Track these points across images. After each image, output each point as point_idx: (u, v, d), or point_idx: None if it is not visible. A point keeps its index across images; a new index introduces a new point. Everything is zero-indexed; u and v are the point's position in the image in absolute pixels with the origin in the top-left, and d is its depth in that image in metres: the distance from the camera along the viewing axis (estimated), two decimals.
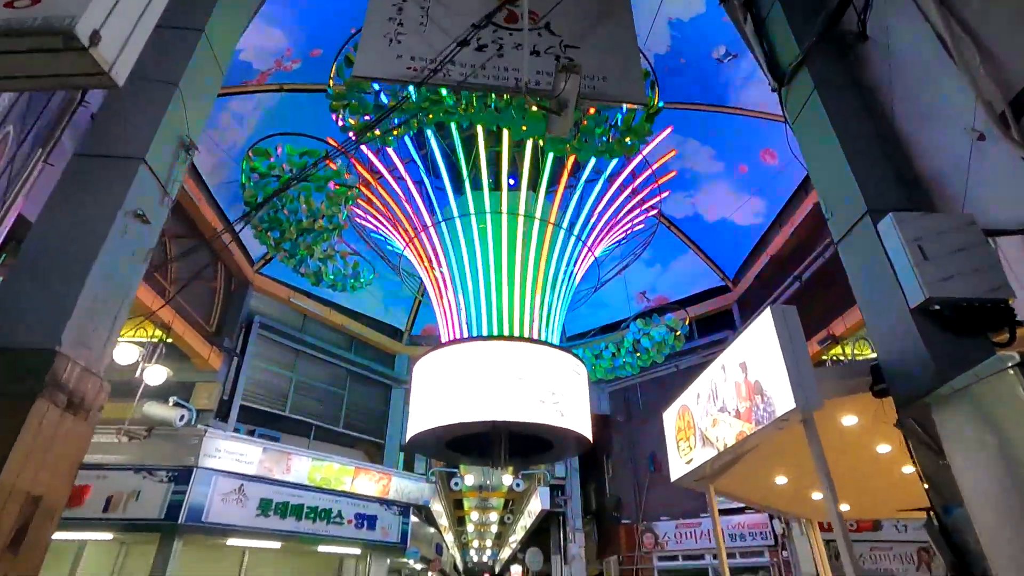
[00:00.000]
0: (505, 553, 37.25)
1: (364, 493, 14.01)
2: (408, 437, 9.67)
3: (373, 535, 13.96)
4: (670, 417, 6.17)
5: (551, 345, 9.76)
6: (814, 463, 3.57)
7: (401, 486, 14.95)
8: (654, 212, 13.27)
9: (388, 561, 14.82)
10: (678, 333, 13.12)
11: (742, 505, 14.29)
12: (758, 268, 13.76)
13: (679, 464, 5.76)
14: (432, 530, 21.16)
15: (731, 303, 15.18)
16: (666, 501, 15.79)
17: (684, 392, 5.68)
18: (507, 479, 18.38)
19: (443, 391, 8.80)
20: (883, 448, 4.84)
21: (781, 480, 5.75)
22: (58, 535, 10.34)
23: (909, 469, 5.51)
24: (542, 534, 22.16)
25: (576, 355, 9.96)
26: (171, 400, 10.92)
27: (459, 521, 35.72)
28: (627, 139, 8.27)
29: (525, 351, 9.28)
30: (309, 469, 13.02)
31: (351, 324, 16.35)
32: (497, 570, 48.77)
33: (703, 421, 4.76)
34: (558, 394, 8.61)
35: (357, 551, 14.21)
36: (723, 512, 14.43)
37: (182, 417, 10.74)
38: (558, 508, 16.21)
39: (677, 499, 15.59)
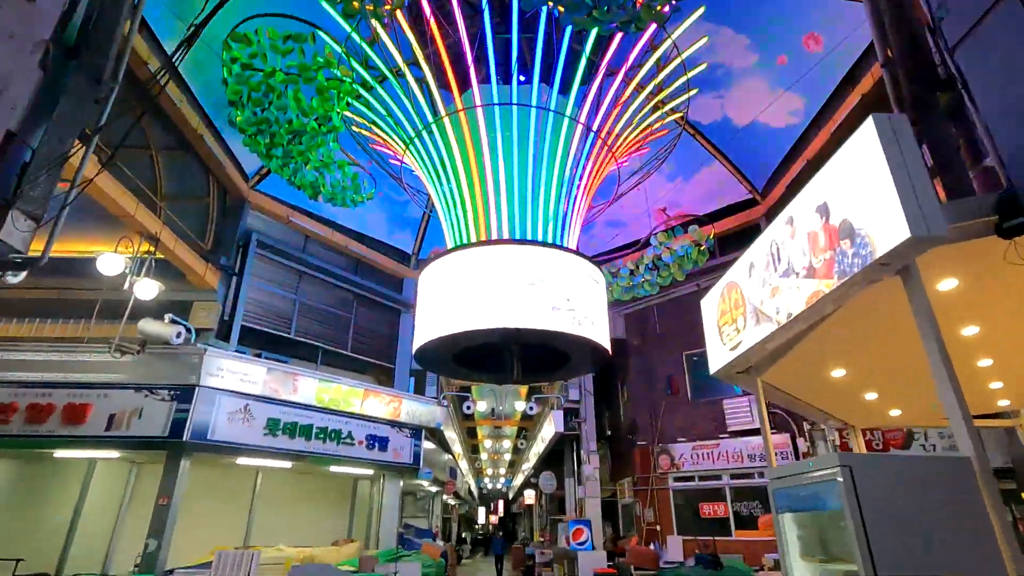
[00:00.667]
0: (519, 480, 38.21)
1: (374, 415, 13.74)
2: (415, 348, 8.99)
3: (385, 456, 13.81)
4: (710, 303, 5.41)
5: (566, 249, 8.91)
6: (917, 323, 2.78)
7: (412, 409, 14.68)
8: (677, 116, 12.09)
9: (401, 482, 14.77)
10: (702, 247, 12.23)
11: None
12: (792, 175, 12.64)
13: (721, 353, 5.04)
14: (447, 456, 21.31)
15: (759, 217, 14.16)
16: (683, 424, 15.44)
17: (729, 270, 4.87)
18: (520, 405, 18.18)
19: (450, 299, 8.09)
20: (970, 330, 4.05)
21: (838, 373, 5.04)
22: (65, 452, 10.05)
23: (987, 362, 4.74)
24: (555, 459, 22.26)
25: (594, 262, 9.15)
26: (167, 317, 10.40)
27: (473, 449, 36.47)
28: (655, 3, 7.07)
29: (537, 255, 8.47)
30: (316, 390, 12.67)
31: (355, 246, 15.62)
32: (511, 496, 50.56)
33: (758, 294, 3.99)
34: (574, 301, 7.87)
35: (370, 472, 14.13)
36: (741, 433, 14.04)
37: (179, 334, 10.25)
38: (572, 431, 15.98)
39: (694, 421, 15.23)
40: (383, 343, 16.12)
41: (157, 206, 11.19)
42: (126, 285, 9.05)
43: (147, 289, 9.53)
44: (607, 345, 8.08)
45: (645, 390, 16.57)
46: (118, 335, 9.43)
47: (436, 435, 17.03)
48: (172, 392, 10.49)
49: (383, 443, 13.82)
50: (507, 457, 37.61)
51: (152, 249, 9.67)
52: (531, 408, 16.03)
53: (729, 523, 13.93)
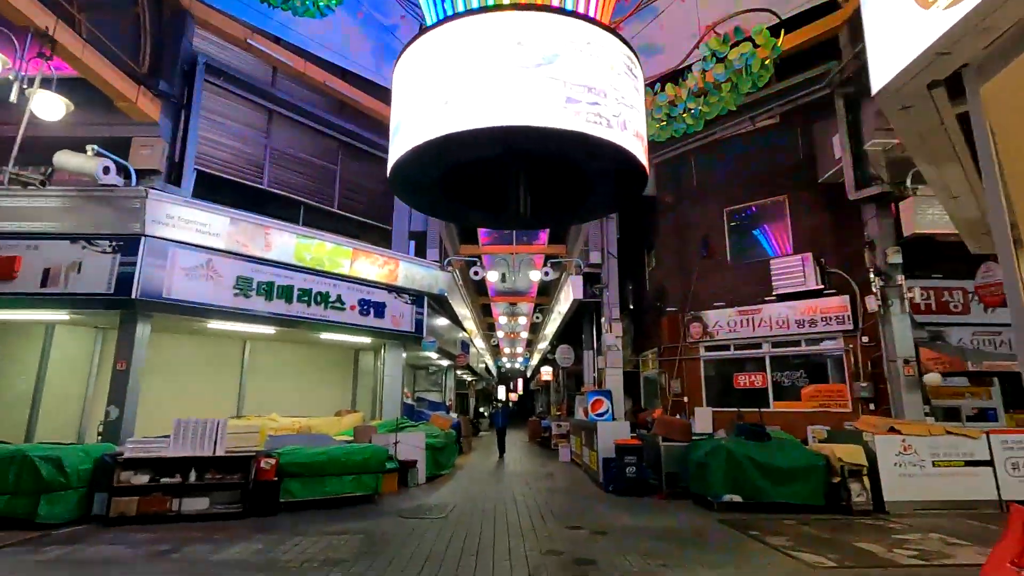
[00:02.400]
0: (536, 359, 37.96)
1: (367, 279, 12.08)
2: (389, 169, 6.59)
3: (382, 324, 12.36)
4: None
5: (589, 19, 6.30)
6: None
7: (411, 273, 12.99)
8: None
9: (404, 353, 13.48)
10: (767, 59, 9.45)
11: (815, 287, 11.93)
12: None
13: (913, 27, 2.67)
14: (460, 334, 20.15)
15: (838, 24, 11.02)
16: (718, 289, 13.57)
17: None
18: (535, 275, 16.44)
19: (429, 94, 5.69)
20: None
21: None
22: (8, 314, 8.43)
23: None
24: (573, 333, 21.00)
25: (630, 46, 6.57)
26: (90, 148, 8.38)
27: (489, 327, 35.87)
28: None
29: (544, 25, 5.88)
30: (296, 248, 10.90)
31: (337, 83, 13.03)
32: (529, 375, 51.39)
33: None
34: (597, 92, 5.46)
35: (367, 341, 12.78)
36: (789, 296, 12.13)
37: (106, 170, 8.29)
38: (593, 298, 14.31)
39: (733, 286, 13.32)
40: (377, 201, 14.08)
41: (75, 19, 8.73)
42: (12, 96, 6.92)
43: (48, 106, 7.40)
44: (643, 160, 5.67)
45: (677, 253, 14.55)
46: (10, 161, 7.47)
47: (443, 305, 15.54)
48: (114, 243, 8.76)
49: (379, 309, 12.30)
50: (524, 335, 37.06)
51: (47, 52, 7.39)
52: (546, 274, 14.30)
53: (767, 394, 12.51)
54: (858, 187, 9.89)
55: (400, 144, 5.81)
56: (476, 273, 14.28)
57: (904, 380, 9.24)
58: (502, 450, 15.06)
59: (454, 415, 17.60)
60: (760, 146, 13.51)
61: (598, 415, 11.73)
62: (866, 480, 7.69)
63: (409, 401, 17.64)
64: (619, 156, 5.61)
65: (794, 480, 7.76)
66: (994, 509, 7.76)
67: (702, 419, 12.69)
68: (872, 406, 10.97)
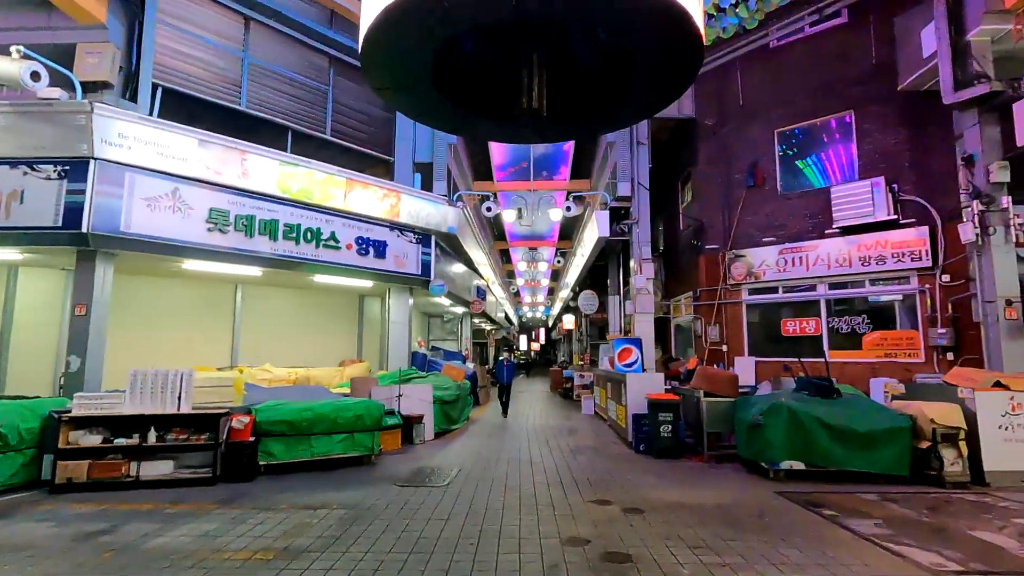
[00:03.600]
0: (557, 308, 36.71)
1: (365, 214, 10.69)
2: (360, 45, 4.82)
3: (384, 265, 11.04)
4: None
5: None
6: None
7: (416, 209, 11.54)
8: None
9: (410, 298, 12.22)
10: None
11: (887, 217, 10.13)
12: None
13: None
14: (477, 280, 18.82)
15: None
16: (766, 223, 11.84)
17: None
18: (555, 213, 14.81)
19: None
20: None
21: None
22: None
23: None
24: (597, 278, 19.51)
25: None
26: (14, 50, 6.97)
27: (508, 275, 34.52)
28: None
29: None
30: (279, 176, 9.51)
31: None
32: (551, 324, 50.34)
33: None
34: None
35: (368, 284, 11.51)
36: (853, 230, 10.39)
37: (35, 76, 6.89)
38: (620, 236, 12.72)
39: (784, 219, 11.57)
40: (377, 128, 12.50)
41: None
42: None
43: None
44: (698, 21, 3.77)
45: (718, 183, 12.75)
46: None
47: (455, 247, 14.14)
48: (59, 167, 7.48)
49: (379, 248, 10.95)
50: (545, 283, 35.68)
51: None
52: (568, 210, 12.71)
53: (821, 342, 10.97)
54: (957, 88, 7.95)
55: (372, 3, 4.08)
56: (488, 209, 12.74)
57: (1004, 325, 7.61)
58: (506, 409, 13.50)
59: (470, 365, 16.55)
60: (821, 53, 11.40)
61: (626, 365, 10.40)
62: (963, 446, 6.24)
63: (422, 350, 16.58)
64: (663, 11, 3.81)
65: (873, 445, 6.35)
66: None
67: (744, 370, 11.28)
68: (951, 355, 9.39)
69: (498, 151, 14.94)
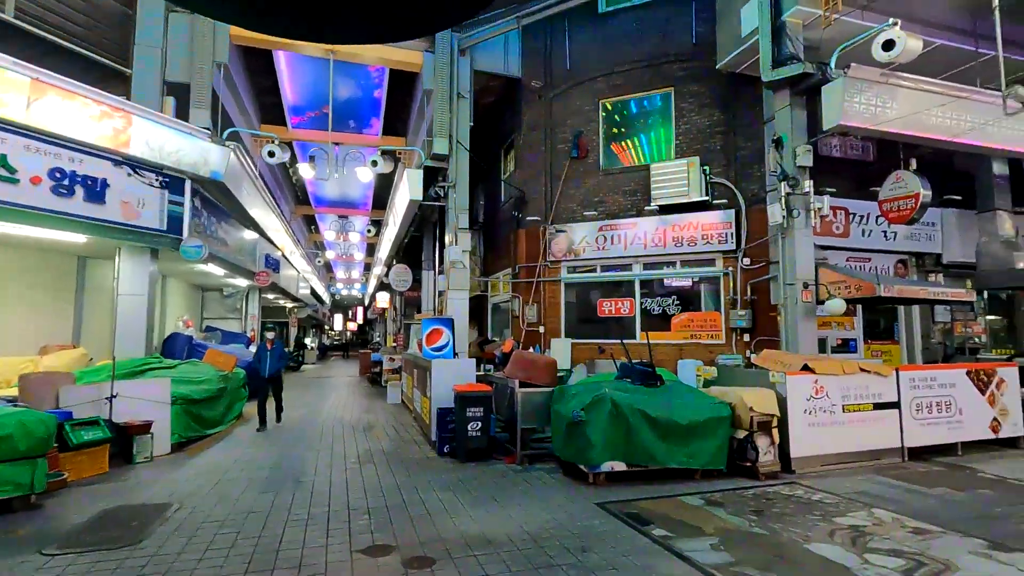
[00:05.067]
0: (372, 284, 34.09)
1: (70, 136, 7.41)
2: None
3: (103, 212, 7.87)
4: None
5: None
6: None
7: (160, 140, 8.47)
8: None
9: (151, 263, 9.10)
10: None
11: (700, 198, 10.08)
12: None
13: None
14: (270, 252, 15.64)
15: None
16: (587, 197, 11.23)
17: None
18: (364, 172, 12.58)
19: None
20: None
21: None
22: None
23: None
24: (412, 253, 17.73)
25: None
26: None
27: (317, 246, 30.88)
28: None
29: None
30: None
31: None
32: (366, 303, 47.16)
33: None
34: None
35: (79, 238, 8.17)
36: (671, 208, 10.17)
37: None
38: (435, 201, 11.09)
39: (605, 194, 11.05)
40: (106, 25, 8.98)
41: None
42: None
43: None
44: None
45: (541, 152, 11.84)
46: None
47: (229, 199, 11.11)
48: None
49: (94, 188, 7.75)
50: (359, 257, 32.81)
51: None
52: (375, 164, 10.68)
53: (634, 324, 10.71)
54: (774, 67, 7.84)
55: None
56: (272, 155, 10.09)
57: (802, 307, 7.75)
58: (263, 417, 8.99)
59: (253, 348, 13.61)
60: (646, 26, 11.02)
61: (435, 349, 8.85)
62: (775, 433, 5.91)
63: (188, 331, 13.15)
64: None
65: (693, 438, 5.70)
66: (897, 458, 6.56)
67: (560, 353, 10.58)
68: (747, 337, 9.65)
69: (291, 88, 12.19)
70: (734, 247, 9.77)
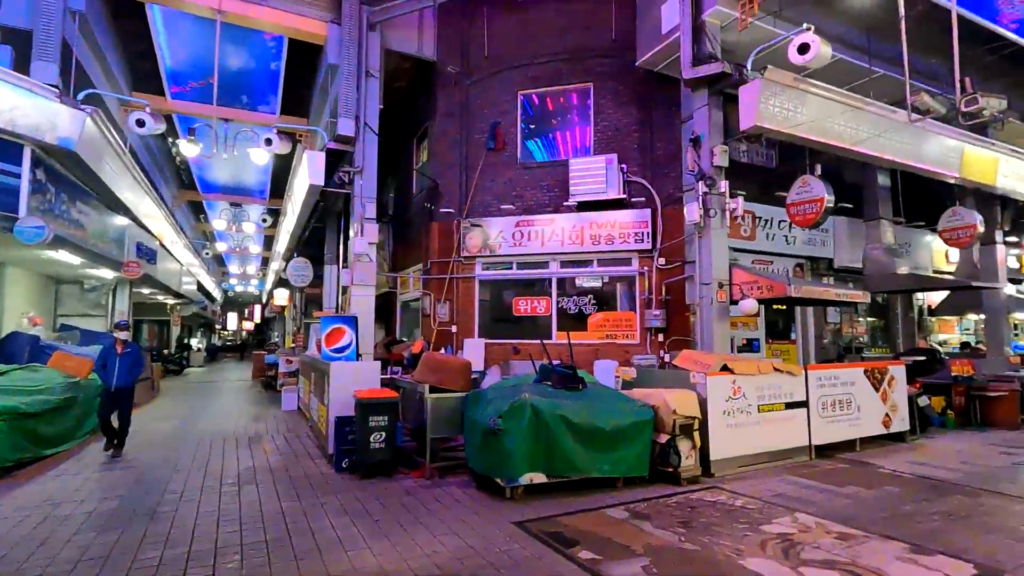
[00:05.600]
0: (270, 281, 31.58)
1: None
2: None
3: None
4: None
5: None
6: None
7: None
8: None
9: None
10: None
11: (618, 196, 9.95)
12: None
13: None
14: (144, 241, 13.66)
15: None
16: (507, 191, 10.77)
17: None
18: (257, 154, 11.21)
19: None
20: None
21: None
22: None
23: None
24: (314, 245, 16.37)
25: None
26: None
27: (206, 236, 28.03)
28: None
29: None
30: None
31: None
32: (264, 300, 43.78)
33: None
34: None
35: None
36: (588, 206, 9.96)
37: None
38: (340, 189, 10.08)
39: (523, 188, 10.65)
40: None
41: None
42: None
43: None
44: None
45: (457, 141, 11.20)
46: None
47: (88, 175, 9.39)
48: None
49: None
50: (257, 251, 30.30)
51: None
52: (269, 143, 9.51)
53: (551, 323, 10.38)
54: (694, 65, 7.79)
55: None
56: (141, 123, 8.61)
57: (717, 307, 7.74)
58: (111, 436, 7.13)
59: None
60: (568, 18, 10.76)
61: (336, 351, 7.96)
62: (697, 436, 5.73)
63: (35, 330, 11.08)
64: None
65: (617, 444, 5.36)
66: (806, 456, 6.66)
67: (473, 353, 10.01)
68: (661, 337, 9.63)
69: (171, 49, 10.62)
70: (650, 247, 9.72)
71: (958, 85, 6.64)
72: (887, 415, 7.43)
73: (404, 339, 12.44)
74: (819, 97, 7.68)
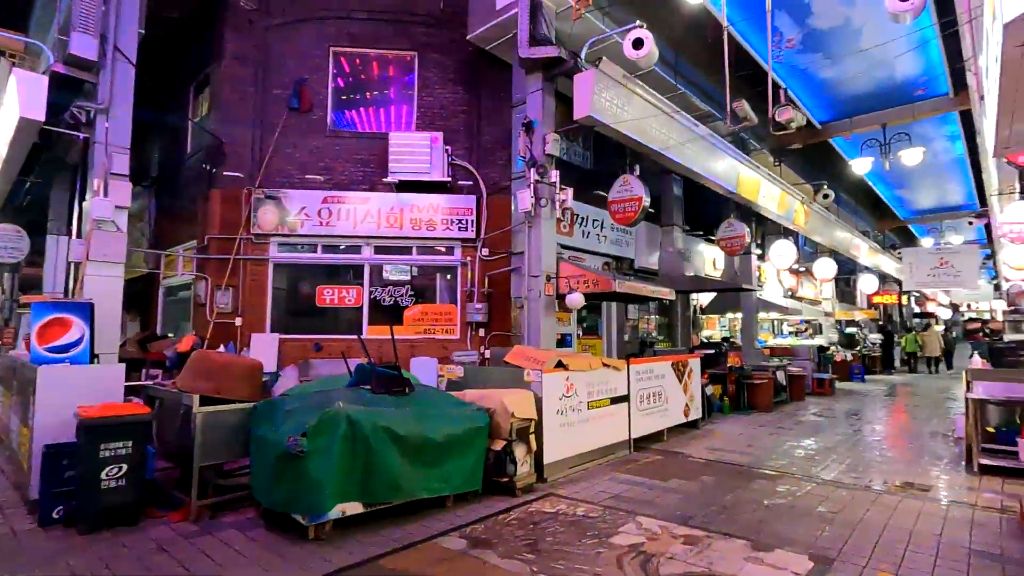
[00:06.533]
0: None
1: None
2: None
3: None
4: None
5: None
6: None
7: None
8: None
9: None
10: None
11: (441, 178, 9.16)
12: None
13: None
14: None
15: None
16: (313, 160, 9.19)
17: None
18: None
19: None
20: None
21: None
22: None
23: None
24: (37, 206, 12.33)
25: None
26: None
27: None
28: None
29: None
30: None
31: None
32: None
33: None
34: None
35: None
36: (410, 187, 9.03)
37: None
38: (71, 128, 7.39)
39: (333, 160, 9.23)
40: None
41: None
42: None
43: None
44: None
45: (250, 93, 9.22)
46: None
47: None
48: None
49: None
50: None
51: None
52: None
53: (361, 316, 9.13)
54: (531, 45, 7.38)
55: None
56: None
57: (544, 301, 7.45)
58: None
59: None
60: None
61: (55, 350, 5.66)
62: (533, 440, 5.23)
63: None
64: None
65: (449, 457, 4.56)
66: (625, 450, 6.68)
67: (264, 351, 8.34)
68: (482, 332, 9.12)
69: None
70: (474, 236, 9.14)
71: (771, 96, 7.38)
72: (687, 404, 7.98)
73: (169, 335, 9.92)
74: (642, 99, 7.92)
